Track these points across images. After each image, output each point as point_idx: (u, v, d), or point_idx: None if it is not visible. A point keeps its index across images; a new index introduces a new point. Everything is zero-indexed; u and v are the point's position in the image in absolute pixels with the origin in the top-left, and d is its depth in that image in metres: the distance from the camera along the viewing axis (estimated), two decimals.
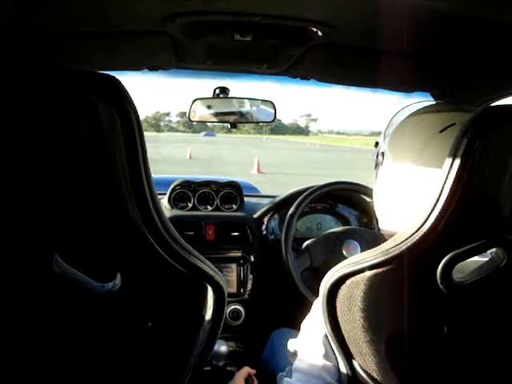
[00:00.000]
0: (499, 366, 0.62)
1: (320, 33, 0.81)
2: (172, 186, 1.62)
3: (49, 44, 0.86)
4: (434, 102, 1.06)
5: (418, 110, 0.74)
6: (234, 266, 1.58)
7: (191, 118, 1.35)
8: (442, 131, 0.66)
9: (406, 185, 0.69)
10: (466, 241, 0.54)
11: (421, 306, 0.59)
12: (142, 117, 0.54)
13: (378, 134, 0.84)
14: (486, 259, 0.58)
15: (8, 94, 0.45)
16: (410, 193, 0.68)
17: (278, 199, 1.66)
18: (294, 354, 0.79)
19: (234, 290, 1.56)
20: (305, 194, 1.47)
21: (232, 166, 12.95)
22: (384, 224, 0.76)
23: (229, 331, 1.50)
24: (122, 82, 0.48)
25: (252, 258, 1.57)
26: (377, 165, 0.79)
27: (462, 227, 0.54)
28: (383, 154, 0.75)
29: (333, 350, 0.70)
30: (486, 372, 0.62)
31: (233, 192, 1.66)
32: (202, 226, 1.56)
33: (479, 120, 0.52)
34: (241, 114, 1.39)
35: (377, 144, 0.81)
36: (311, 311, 0.78)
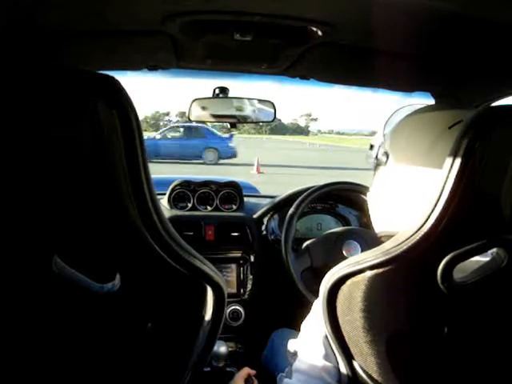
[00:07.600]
0: (499, 366, 0.62)
1: (320, 32, 0.81)
2: (171, 186, 1.61)
3: (49, 44, 0.86)
4: (434, 102, 1.06)
5: (419, 109, 0.72)
6: (233, 266, 1.58)
7: (191, 118, 1.35)
8: (450, 127, 0.64)
9: (414, 184, 0.66)
10: (466, 241, 0.54)
11: (421, 306, 0.59)
12: (141, 117, 0.54)
13: None
14: (487, 259, 0.57)
15: (8, 94, 0.45)
16: (418, 192, 0.65)
17: (277, 199, 1.66)
18: (294, 354, 0.78)
19: (233, 290, 1.56)
20: (305, 194, 1.46)
21: (231, 166, 12.94)
22: (382, 226, 0.73)
23: (229, 332, 1.50)
24: (121, 82, 0.48)
25: (252, 259, 1.57)
26: (377, 166, 0.76)
27: (462, 227, 0.54)
28: (386, 153, 0.72)
29: (333, 351, 0.70)
30: (487, 372, 0.62)
31: (232, 192, 1.66)
32: (201, 227, 1.55)
33: (479, 120, 0.52)
34: (240, 114, 1.38)
35: (371, 147, 0.79)
36: (311, 312, 0.78)
